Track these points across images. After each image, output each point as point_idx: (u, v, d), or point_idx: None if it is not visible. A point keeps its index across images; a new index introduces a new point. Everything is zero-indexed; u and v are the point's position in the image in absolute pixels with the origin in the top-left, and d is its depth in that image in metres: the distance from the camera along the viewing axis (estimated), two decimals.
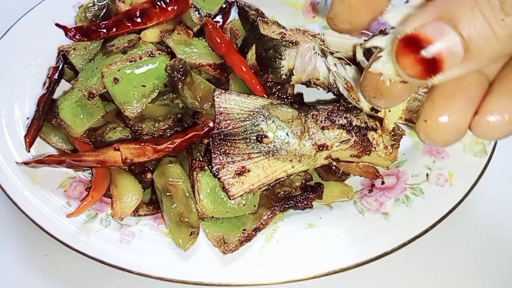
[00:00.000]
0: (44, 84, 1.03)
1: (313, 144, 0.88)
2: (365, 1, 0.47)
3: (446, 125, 0.45)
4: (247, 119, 0.90)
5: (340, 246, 0.88)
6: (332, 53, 0.95)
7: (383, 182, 0.97)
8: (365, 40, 0.94)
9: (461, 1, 0.39)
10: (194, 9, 1.04)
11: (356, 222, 0.91)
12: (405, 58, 0.41)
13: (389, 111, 0.90)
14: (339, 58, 0.95)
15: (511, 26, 0.39)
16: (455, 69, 0.41)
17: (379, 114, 0.91)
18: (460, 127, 0.45)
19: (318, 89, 1.00)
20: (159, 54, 0.97)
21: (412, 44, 0.40)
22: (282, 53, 0.95)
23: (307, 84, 0.99)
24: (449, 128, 0.45)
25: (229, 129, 0.89)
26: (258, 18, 1.00)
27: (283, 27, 1.00)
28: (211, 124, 0.91)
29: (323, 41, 0.96)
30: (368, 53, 0.89)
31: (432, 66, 0.41)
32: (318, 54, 0.94)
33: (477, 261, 0.95)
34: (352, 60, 0.95)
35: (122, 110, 0.91)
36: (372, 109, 0.90)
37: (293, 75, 0.96)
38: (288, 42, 0.95)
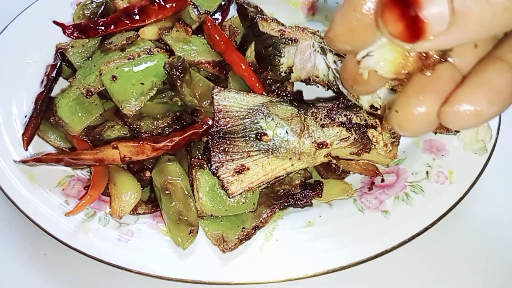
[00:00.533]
0: (42, 82, 1.02)
1: (312, 142, 0.88)
2: (369, 24, 0.45)
3: (416, 116, 0.47)
4: (246, 117, 0.90)
5: (340, 244, 0.87)
6: (331, 51, 0.95)
7: (383, 180, 0.96)
8: None
9: None
10: (193, 6, 1.04)
11: (356, 220, 0.91)
12: (389, 14, 0.40)
13: (389, 108, 0.89)
14: (339, 56, 0.94)
15: None
16: (441, 36, 0.40)
17: (378, 112, 0.90)
18: (429, 118, 0.46)
19: (318, 87, 1.00)
20: (158, 51, 0.96)
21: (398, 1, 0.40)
22: (282, 51, 0.95)
23: (307, 81, 0.99)
24: (419, 118, 0.47)
25: (228, 127, 0.88)
26: (257, 15, 1.00)
27: (283, 25, 1.00)
28: (210, 122, 0.90)
29: (323, 39, 0.96)
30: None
31: (415, 27, 0.40)
32: (318, 51, 0.94)
33: (477, 259, 0.95)
34: None
35: (121, 108, 0.91)
36: (372, 106, 0.90)
37: (292, 72, 0.96)
38: (287, 40, 0.94)
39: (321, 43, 0.95)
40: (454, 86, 0.46)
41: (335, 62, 0.93)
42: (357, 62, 0.48)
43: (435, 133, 0.95)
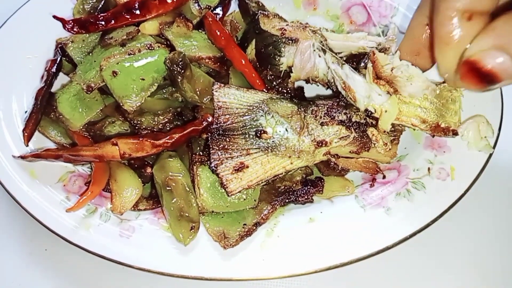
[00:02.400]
0: (42, 77, 1.02)
1: (312, 140, 0.87)
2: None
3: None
4: (246, 114, 0.89)
5: (341, 241, 0.87)
6: (331, 50, 0.94)
7: (384, 176, 0.96)
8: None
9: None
10: (194, 1, 1.03)
11: (357, 216, 0.91)
12: (469, 81, 0.57)
13: (385, 111, 0.89)
14: (336, 58, 0.94)
15: None
16: (507, 80, 0.55)
17: (374, 115, 0.90)
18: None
19: (318, 85, 0.99)
20: (158, 47, 0.96)
21: (473, 68, 0.55)
22: (282, 50, 0.94)
23: (306, 81, 0.98)
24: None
25: (228, 124, 0.88)
26: (259, 11, 0.99)
27: (284, 20, 0.99)
28: (210, 119, 0.90)
29: (324, 37, 0.95)
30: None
31: (489, 83, 0.55)
32: (318, 51, 0.93)
33: (479, 256, 0.95)
34: (351, 57, 0.94)
35: (121, 104, 0.90)
36: (366, 110, 0.89)
37: (292, 72, 0.95)
38: (288, 39, 0.93)
39: (321, 42, 0.94)
40: None
41: (333, 63, 0.93)
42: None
43: (433, 136, 0.94)
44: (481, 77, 0.54)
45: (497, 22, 0.55)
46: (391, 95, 0.86)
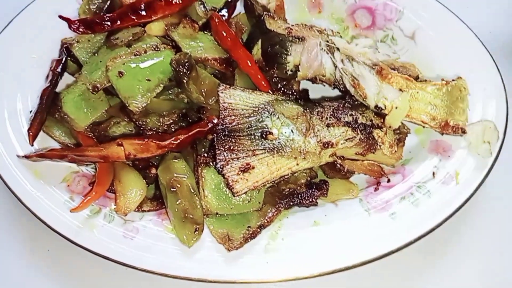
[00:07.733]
0: (47, 77, 1.01)
1: (318, 141, 0.87)
2: None
3: None
4: (252, 115, 0.89)
5: (345, 244, 0.87)
6: (338, 49, 0.94)
7: (389, 180, 0.96)
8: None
9: None
10: (200, 2, 1.04)
11: (362, 220, 0.90)
12: None
13: (396, 108, 0.89)
14: (347, 54, 0.94)
15: None
16: None
17: (384, 111, 0.90)
18: None
19: (324, 86, 0.99)
20: (164, 48, 0.96)
21: None
22: (288, 49, 0.94)
23: (313, 80, 0.98)
24: None
25: (234, 125, 0.88)
26: (264, 12, 0.99)
27: (289, 23, 0.99)
28: (215, 121, 0.90)
29: (330, 37, 0.95)
30: None
31: None
32: (325, 50, 0.93)
33: (483, 260, 0.94)
34: None
35: (127, 104, 0.90)
36: (376, 106, 0.89)
37: (299, 71, 0.95)
38: (294, 38, 0.93)
39: (328, 41, 0.94)
40: None
41: (342, 61, 0.93)
42: None
43: (442, 134, 0.94)
44: None
45: None
46: (402, 91, 0.86)
